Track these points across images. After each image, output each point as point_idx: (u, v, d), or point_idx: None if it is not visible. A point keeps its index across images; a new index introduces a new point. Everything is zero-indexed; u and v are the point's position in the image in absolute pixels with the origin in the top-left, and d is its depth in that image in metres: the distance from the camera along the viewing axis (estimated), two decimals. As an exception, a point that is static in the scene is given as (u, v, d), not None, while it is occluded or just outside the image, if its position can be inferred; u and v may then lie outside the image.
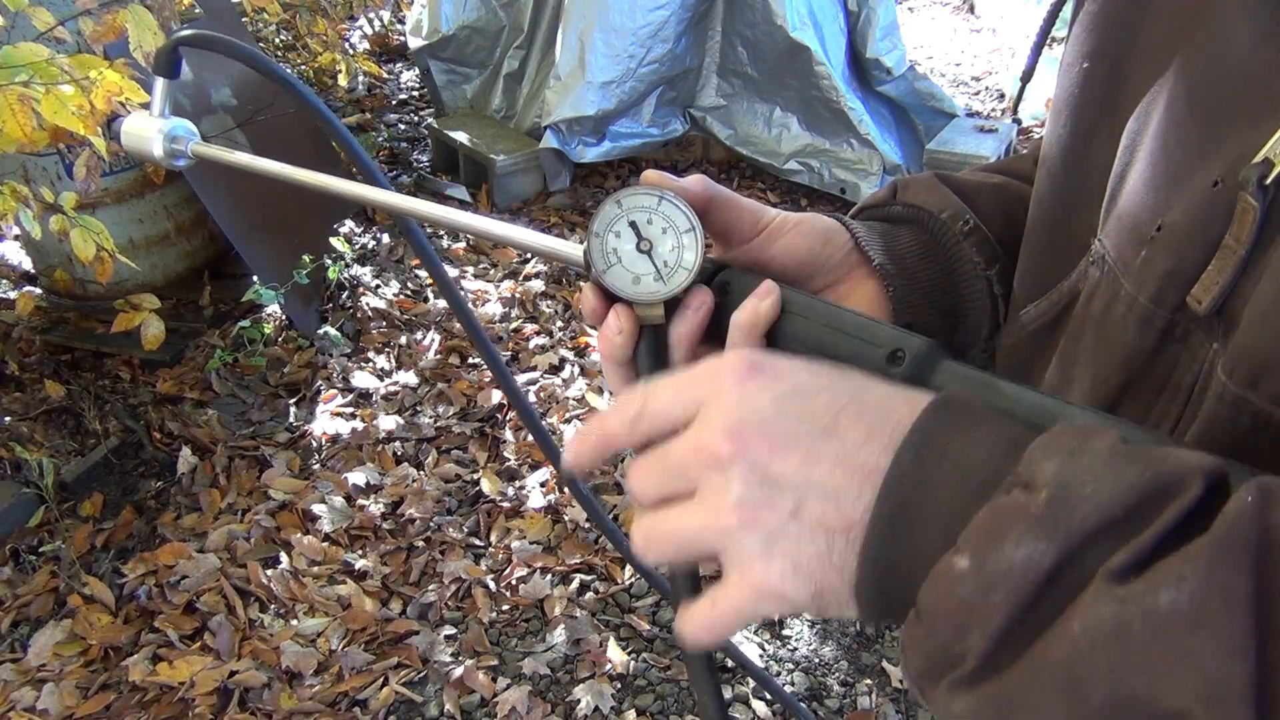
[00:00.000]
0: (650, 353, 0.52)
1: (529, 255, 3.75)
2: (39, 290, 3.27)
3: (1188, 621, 0.31)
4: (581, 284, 3.52)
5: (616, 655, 2.16)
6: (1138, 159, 0.51)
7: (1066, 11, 0.61)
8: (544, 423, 2.87)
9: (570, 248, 0.56)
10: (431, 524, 2.52)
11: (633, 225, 0.51)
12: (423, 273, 3.66)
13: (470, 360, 3.16)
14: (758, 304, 0.51)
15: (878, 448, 0.41)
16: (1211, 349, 0.46)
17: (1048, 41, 0.64)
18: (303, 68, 5.08)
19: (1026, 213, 0.65)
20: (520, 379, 3.04)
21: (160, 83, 0.77)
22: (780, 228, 0.57)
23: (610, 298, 0.53)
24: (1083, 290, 0.55)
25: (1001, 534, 0.35)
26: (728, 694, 2.10)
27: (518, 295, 3.46)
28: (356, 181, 0.70)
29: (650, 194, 0.51)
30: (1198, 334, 0.47)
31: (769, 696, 2.09)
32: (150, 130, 0.76)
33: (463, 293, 3.53)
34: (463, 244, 3.84)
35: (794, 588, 0.41)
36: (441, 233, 3.99)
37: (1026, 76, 0.67)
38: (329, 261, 3.23)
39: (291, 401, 2.95)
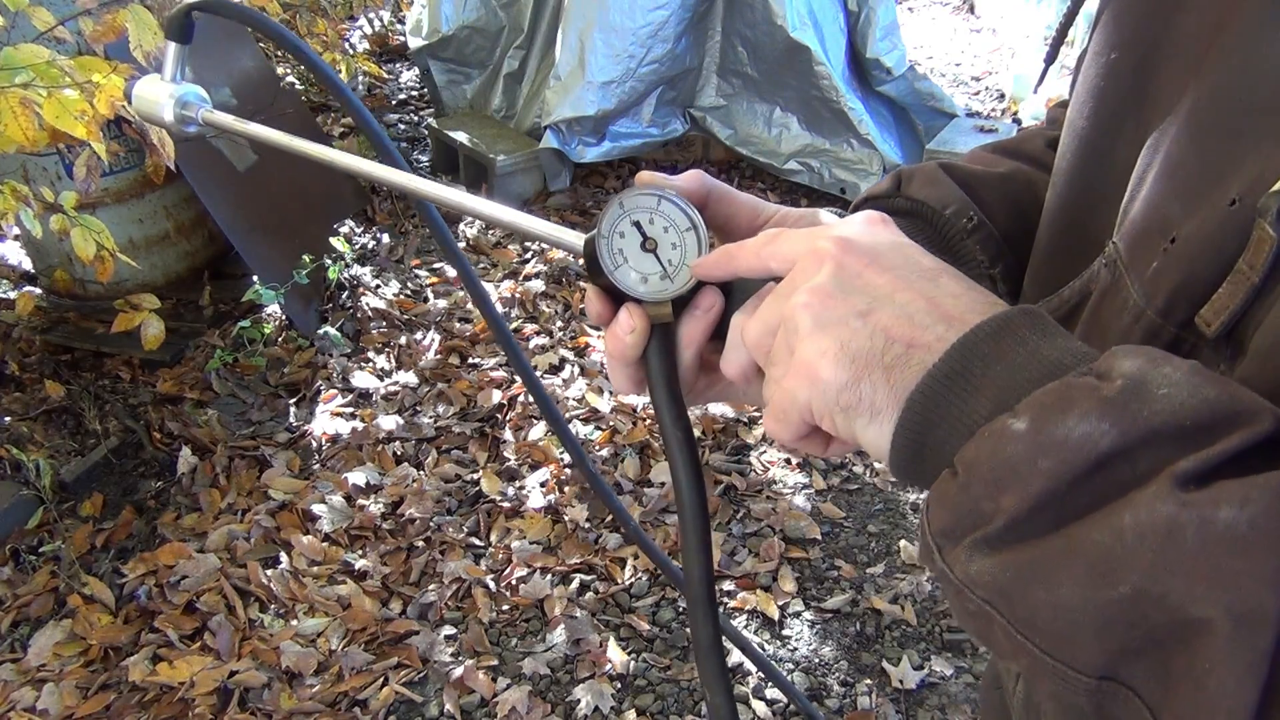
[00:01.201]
0: (660, 352, 0.53)
1: (529, 255, 3.75)
2: (39, 290, 3.27)
3: (1241, 542, 0.32)
4: (582, 283, 3.52)
5: (616, 655, 2.16)
6: (1157, 162, 0.49)
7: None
8: (542, 424, 2.87)
9: (572, 235, 0.56)
10: (431, 524, 2.52)
11: (636, 225, 0.51)
12: (423, 272, 3.66)
13: (470, 360, 3.16)
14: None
15: (965, 306, 0.42)
16: (1218, 370, 0.45)
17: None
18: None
19: (1035, 203, 0.64)
20: (522, 379, 3.04)
21: (173, 48, 0.76)
22: (780, 223, 0.56)
23: (616, 299, 0.53)
24: (1094, 291, 0.54)
25: (1067, 406, 0.36)
26: (728, 694, 2.10)
27: (518, 295, 3.46)
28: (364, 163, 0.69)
29: (651, 194, 0.51)
30: (1205, 352, 0.46)
31: (769, 696, 2.09)
32: (162, 95, 0.76)
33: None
34: (462, 244, 3.84)
35: (831, 368, 0.42)
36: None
37: (1050, 59, 0.66)
38: (329, 261, 3.23)
39: (291, 401, 2.95)
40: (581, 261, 0.54)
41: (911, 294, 0.42)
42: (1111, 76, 0.55)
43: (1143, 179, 0.51)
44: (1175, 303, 0.47)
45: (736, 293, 0.52)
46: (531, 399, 2.95)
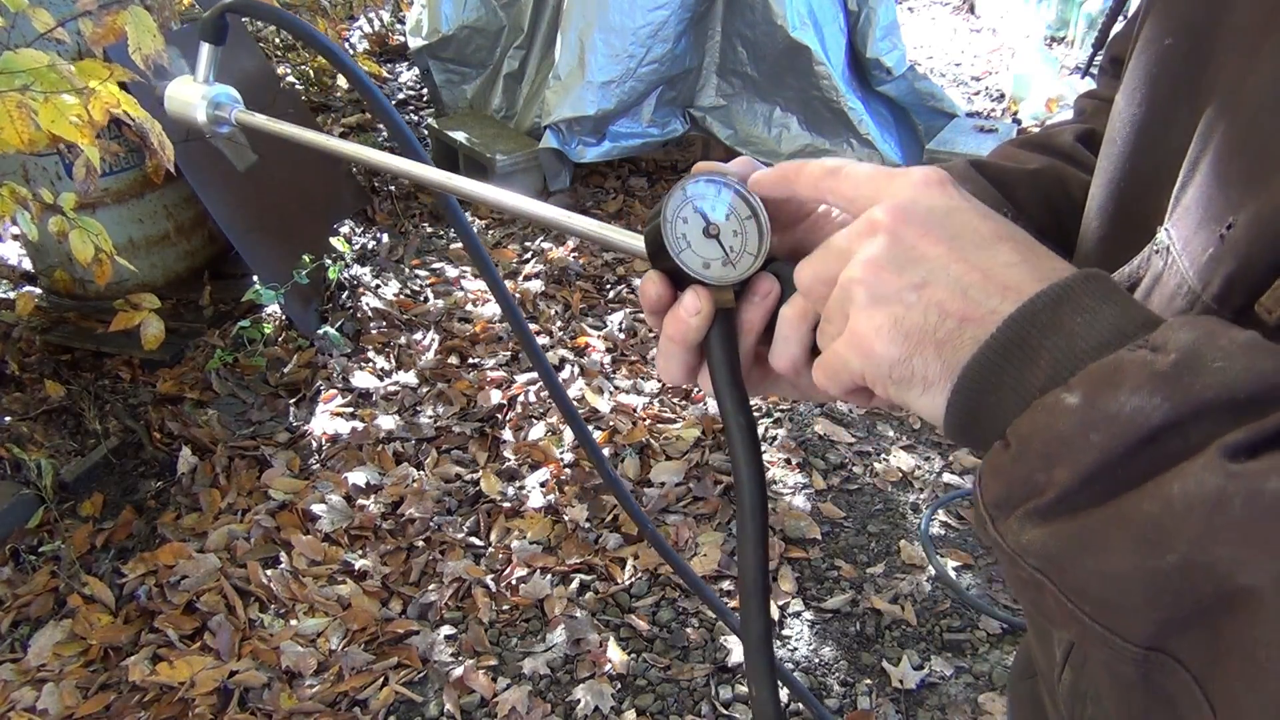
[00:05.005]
0: (722, 336, 0.52)
1: (529, 255, 3.75)
2: (39, 290, 3.27)
3: None
4: (582, 283, 3.52)
5: (616, 655, 2.16)
6: (1212, 147, 0.49)
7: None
8: (542, 424, 2.87)
9: (625, 235, 0.56)
10: (431, 524, 2.52)
11: (699, 211, 0.52)
12: (422, 272, 3.66)
13: (470, 360, 3.16)
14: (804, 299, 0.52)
15: (1024, 274, 0.42)
16: None
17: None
18: (303, 67, 5.08)
19: (1066, 199, 0.64)
20: (522, 379, 3.05)
21: (206, 49, 0.77)
22: (825, 215, 0.56)
23: (678, 283, 0.53)
24: (1144, 278, 0.54)
25: (1119, 380, 0.36)
26: (728, 693, 2.10)
27: (517, 295, 3.46)
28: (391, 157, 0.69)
29: (713, 181, 0.52)
30: None
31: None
32: (194, 96, 0.77)
33: (463, 293, 3.53)
34: (461, 243, 3.84)
35: (885, 344, 0.43)
36: (443, 231, 3.99)
37: (1099, 44, 0.65)
38: (329, 261, 3.23)
39: (291, 401, 2.95)
40: (643, 248, 0.53)
41: (966, 266, 0.42)
42: (1165, 62, 0.55)
43: (1196, 165, 0.50)
44: (1231, 289, 0.46)
45: (784, 281, 0.52)
46: (535, 400, 2.95)
